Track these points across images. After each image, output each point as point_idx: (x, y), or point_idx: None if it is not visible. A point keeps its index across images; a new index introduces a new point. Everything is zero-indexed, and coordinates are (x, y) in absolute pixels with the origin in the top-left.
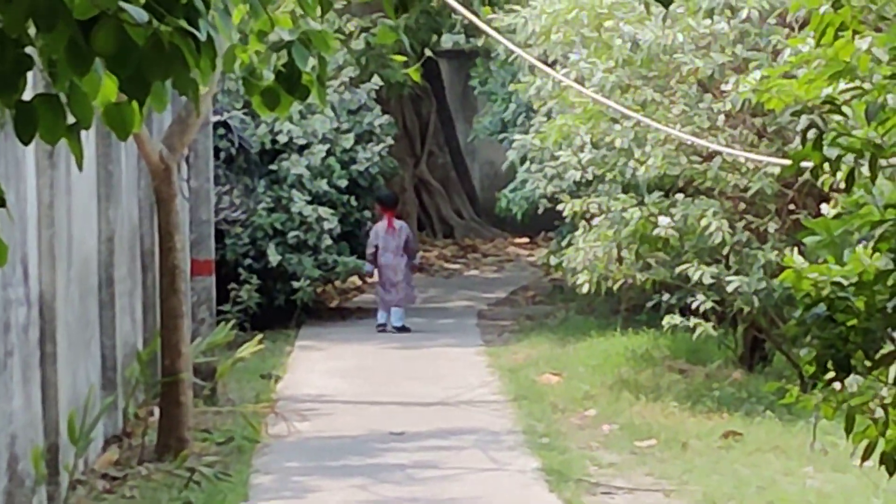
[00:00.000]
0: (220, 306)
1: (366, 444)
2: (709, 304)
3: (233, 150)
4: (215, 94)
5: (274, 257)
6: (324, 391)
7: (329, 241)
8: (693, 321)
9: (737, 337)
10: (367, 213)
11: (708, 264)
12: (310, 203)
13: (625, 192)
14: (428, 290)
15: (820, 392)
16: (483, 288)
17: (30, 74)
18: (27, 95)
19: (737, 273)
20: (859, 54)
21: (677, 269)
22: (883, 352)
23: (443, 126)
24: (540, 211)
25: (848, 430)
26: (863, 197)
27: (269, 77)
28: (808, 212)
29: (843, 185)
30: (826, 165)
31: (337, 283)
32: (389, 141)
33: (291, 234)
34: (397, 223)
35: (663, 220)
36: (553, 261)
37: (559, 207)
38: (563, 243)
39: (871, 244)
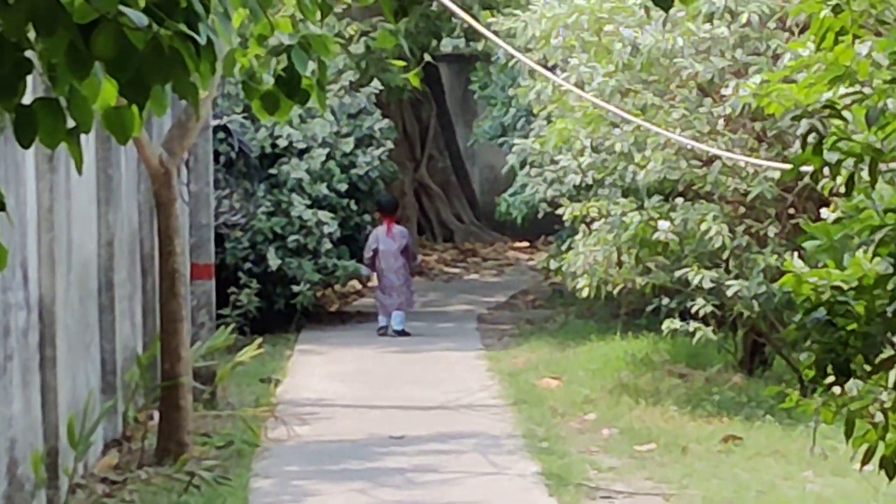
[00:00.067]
0: (219, 310)
1: (366, 447)
2: (709, 309)
3: (233, 154)
4: (215, 98)
5: (274, 261)
6: (324, 395)
7: (329, 245)
8: (693, 325)
9: (737, 341)
10: (367, 217)
11: (708, 268)
12: (310, 207)
13: (625, 196)
14: (428, 294)
15: (820, 396)
16: (483, 292)
17: (30, 78)
18: (27, 99)
19: (737, 277)
20: (859, 59)
21: (677, 274)
22: (883, 356)
23: (443, 130)
24: (540, 215)
25: (848, 434)
26: (863, 201)
27: (268, 81)
28: (808, 216)
29: (843, 190)
30: (826, 170)
31: (337, 286)
32: (389, 145)
33: (291, 237)
34: (396, 228)
35: (663, 225)
36: (553, 265)
37: (559, 211)
38: (563, 247)
39: (871, 248)
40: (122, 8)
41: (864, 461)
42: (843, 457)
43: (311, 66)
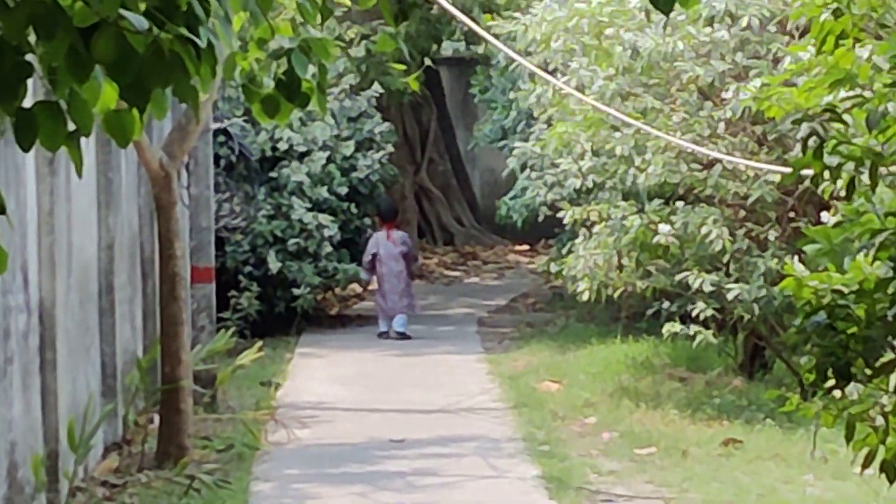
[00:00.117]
0: (220, 314)
1: (366, 451)
2: (709, 312)
3: (233, 158)
4: (215, 101)
5: (274, 264)
6: (324, 398)
7: (329, 249)
8: (693, 329)
9: (737, 345)
10: (368, 221)
11: (708, 272)
12: (310, 210)
13: (625, 199)
14: (428, 298)
15: (820, 400)
16: (483, 295)
17: (30, 81)
18: (27, 102)
19: (737, 281)
20: (860, 62)
21: (677, 277)
22: (883, 360)
23: (443, 133)
24: (540, 218)
25: (848, 437)
26: (863, 205)
27: (269, 84)
28: (809, 220)
29: (843, 194)
30: (826, 173)
31: (337, 290)
32: (390, 148)
33: (292, 241)
34: (396, 233)
35: (663, 228)
36: (553, 268)
37: (559, 215)
38: (564, 251)
39: (872, 252)
40: (122, 11)
41: (865, 465)
42: (843, 460)
43: (312, 69)
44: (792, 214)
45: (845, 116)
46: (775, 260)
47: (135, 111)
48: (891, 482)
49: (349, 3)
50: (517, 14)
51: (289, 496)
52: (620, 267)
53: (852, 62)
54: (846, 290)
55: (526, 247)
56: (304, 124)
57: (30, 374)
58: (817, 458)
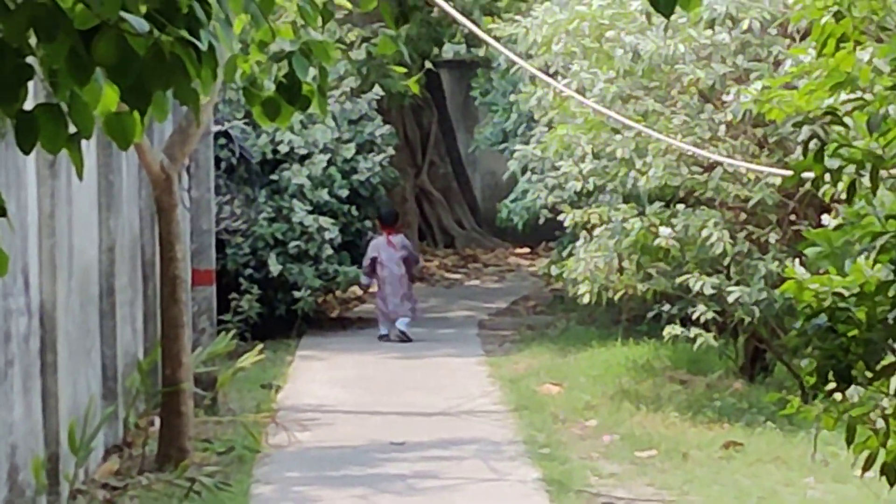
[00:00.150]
0: (220, 316)
1: (366, 454)
2: (710, 315)
3: (234, 160)
4: (216, 103)
5: (275, 267)
6: (324, 401)
7: (330, 251)
8: (694, 332)
9: (738, 347)
10: (368, 223)
11: (709, 275)
12: (311, 213)
13: (626, 202)
14: (429, 300)
15: (821, 403)
16: (484, 298)
17: (31, 84)
18: (28, 105)
19: (738, 283)
20: (860, 65)
21: (678, 280)
22: (884, 363)
23: (444, 136)
24: (541, 221)
25: (849, 440)
26: (864, 208)
27: (269, 87)
28: (810, 222)
29: (844, 196)
30: (827, 176)
31: (338, 292)
32: (390, 151)
33: (292, 243)
34: (395, 238)
35: (664, 231)
36: (554, 271)
37: (560, 218)
38: (564, 253)
39: (872, 255)
40: (123, 14)
41: (866, 467)
42: (844, 463)
43: (312, 72)
44: (793, 217)
45: (846, 119)
46: (776, 263)
47: (136, 114)
48: (891, 485)
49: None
50: (518, 17)
51: (289, 499)
52: (621, 270)
53: (853, 65)
54: (847, 293)
55: (527, 249)
56: (305, 127)
57: (31, 376)
58: (818, 461)
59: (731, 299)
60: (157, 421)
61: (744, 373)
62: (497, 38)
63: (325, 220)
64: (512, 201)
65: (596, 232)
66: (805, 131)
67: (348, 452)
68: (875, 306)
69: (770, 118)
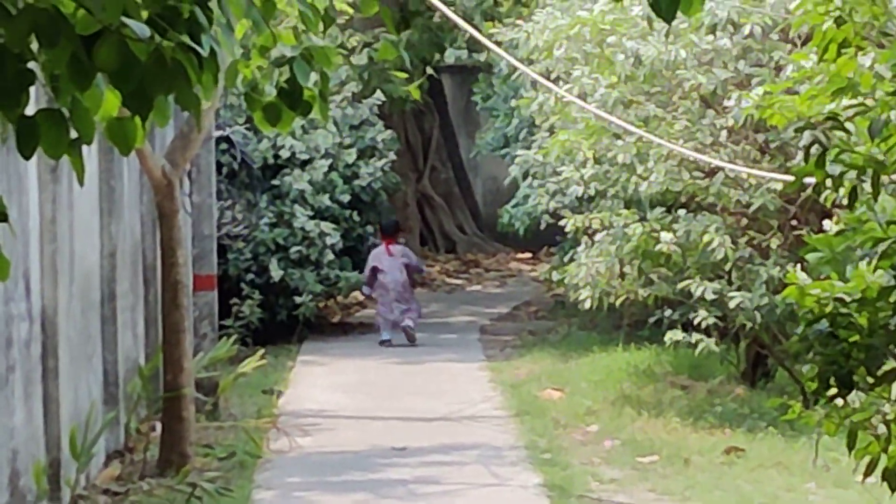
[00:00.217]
0: (222, 321)
1: (368, 459)
2: (711, 320)
3: (235, 166)
4: (217, 109)
5: (276, 272)
6: (326, 406)
7: (331, 257)
8: (695, 337)
9: (739, 353)
10: (370, 229)
11: (710, 280)
12: (312, 218)
13: (627, 207)
14: (430, 305)
15: (822, 408)
16: (485, 303)
17: (32, 89)
18: (30, 110)
19: (739, 289)
20: (862, 71)
21: (679, 285)
22: (885, 368)
23: (445, 141)
24: (542, 226)
25: (850, 446)
26: (865, 213)
27: (271, 92)
28: (811, 228)
29: (845, 202)
30: (829, 182)
31: (339, 298)
32: (392, 156)
33: (294, 249)
34: (395, 248)
35: (665, 236)
36: (555, 276)
37: (561, 223)
38: (566, 259)
39: (874, 261)
40: (124, 19)
41: (867, 473)
42: (845, 469)
43: (314, 77)
44: (794, 223)
45: (847, 125)
46: (777, 268)
47: (137, 119)
48: (893, 490)
49: (351, 11)
50: (519, 22)
51: None
52: (622, 275)
53: (854, 70)
54: (848, 299)
55: (528, 255)
56: (307, 132)
57: (32, 382)
58: (819, 467)
59: (732, 305)
60: (159, 426)
61: (745, 378)
62: (498, 44)
63: (326, 226)
64: (513, 206)
65: (597, 237)
66: (806, 137)
67: (349, 458)
68: (876, 312)
69: (771, 123)
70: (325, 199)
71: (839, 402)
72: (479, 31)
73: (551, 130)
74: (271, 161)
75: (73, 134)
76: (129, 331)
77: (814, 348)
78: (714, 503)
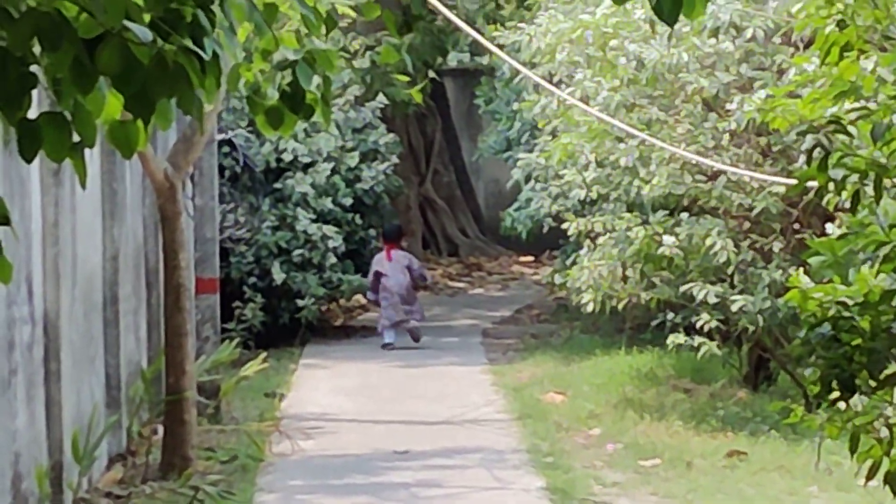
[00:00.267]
0: (224, 324)
1: (370, 462)
2: (713, 324)
3: (238, 169)
4: (220, 112)
5: (278, 275)
6: (328, 409)
7: (334, 260)
8: (698, 340)
9: (741, 356)
10: (372, 232)
11: (713, 283)
12: (315, 221)
13: (629, 211)
14: (433, 309)
15: (825, 412)
16: (488, 306)
17: (34, 92)
18: (32, 114)
19: (741, 292)
20: (864, 74)
21: (682, 289)
22: (888, 372)
23: (448, 144)
24: (545, 230)
25: (852, 449)
26: (867, 217)
27: (273, 96)
28: (813, 231)
29: (848, 205)
30: (831, 185)
31: (342, 301)
32: (394, 159)
33: (296, 252)
34: (396, 254)
35: (668, 240)
36: (558, 279)
37: (564, 226)
38: (568, 262)
39: (876, 264)
40: (126, 23)
41: (869, 476)
42: (847, 472)
43: (316, 80)
44: (796, 226)
45: (850, 128)
46: (780, 271)
47: (139, 122)
48: (895, 494)
49: (354, 15)
50: (522, 25)
51: None
52: (625, 278)
53: (857, 74)
54: (851, 302)
55: (530, 258)
56: (309, 135)
57: (34, 385)
58: (822, 470)
59: (734, 308)
60: (161, 429)
61: (747, 382)
62: (501, 47)
63: (328, 229)
64: (516, 210)
65: (599, 240)
66: (809, 140)
67: (352, 461)
68: (879, 315)
69: (774, 127)
70: (327, 203)
71: (841, 405)
72: (482, 34)
73: (553, 134)
74: (274, 164)
75: (76, 137)
76: (131, 334)
77: (816, 352)
78: None
